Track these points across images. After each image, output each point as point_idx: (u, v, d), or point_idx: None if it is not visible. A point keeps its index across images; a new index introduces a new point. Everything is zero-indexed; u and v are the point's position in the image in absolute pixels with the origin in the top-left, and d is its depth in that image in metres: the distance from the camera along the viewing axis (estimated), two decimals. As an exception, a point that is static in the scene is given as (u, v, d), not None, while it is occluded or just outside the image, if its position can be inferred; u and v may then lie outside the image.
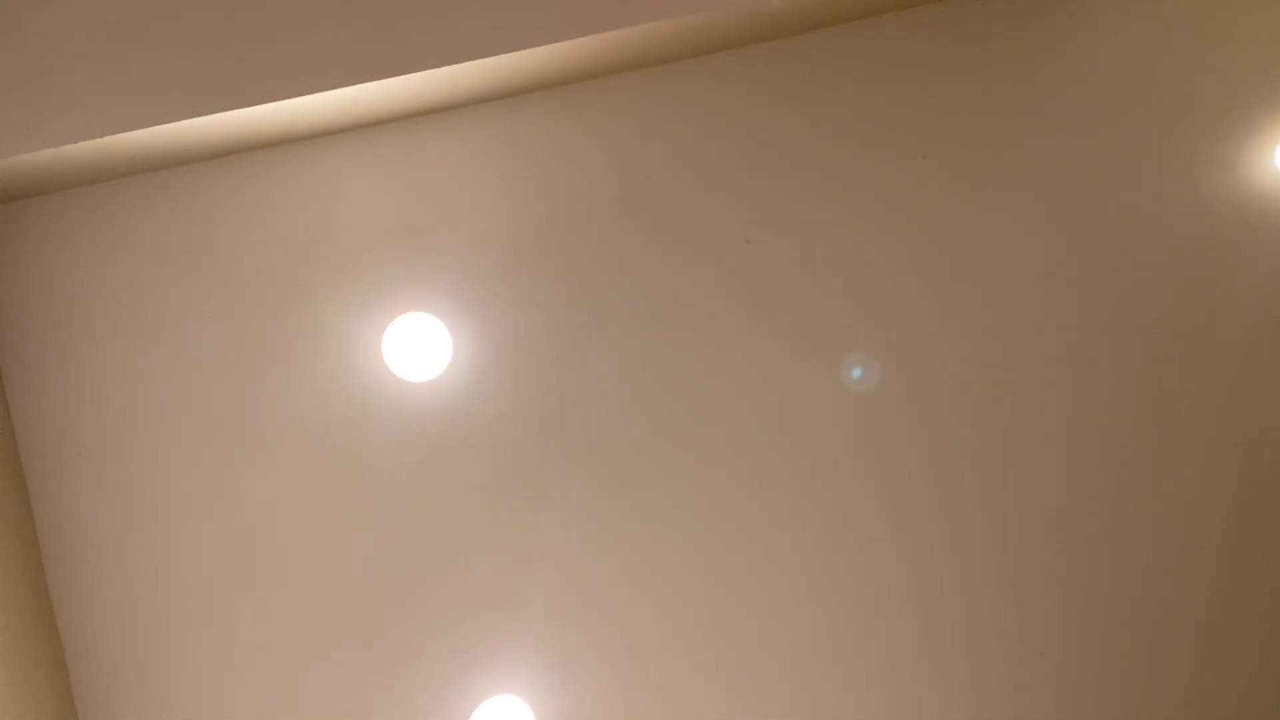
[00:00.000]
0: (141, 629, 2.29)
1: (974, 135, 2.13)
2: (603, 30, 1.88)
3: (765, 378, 2.20)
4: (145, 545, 2.28)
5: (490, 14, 1.88)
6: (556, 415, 2.23)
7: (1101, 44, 2.09)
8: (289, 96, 1.92)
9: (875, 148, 2.14)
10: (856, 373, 2.17)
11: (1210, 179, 2.09)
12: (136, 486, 2.27)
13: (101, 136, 1.93)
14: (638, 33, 1.92)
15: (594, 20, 1.87)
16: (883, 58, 2.13)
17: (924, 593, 2.22)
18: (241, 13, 1.91)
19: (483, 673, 2.28)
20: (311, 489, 2.26)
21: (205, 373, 2.24)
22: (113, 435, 2.26)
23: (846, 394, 2.18)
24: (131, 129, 1.93)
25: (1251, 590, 2.18)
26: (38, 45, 1.92)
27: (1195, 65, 2.08)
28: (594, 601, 2.28)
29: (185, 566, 2.27)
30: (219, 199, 2.21)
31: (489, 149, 2.18)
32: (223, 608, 2.28)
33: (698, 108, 2.15)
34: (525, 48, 1.89)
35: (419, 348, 2.19)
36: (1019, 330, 2.16)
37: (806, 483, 2.22)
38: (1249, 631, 2.19)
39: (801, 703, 2.22)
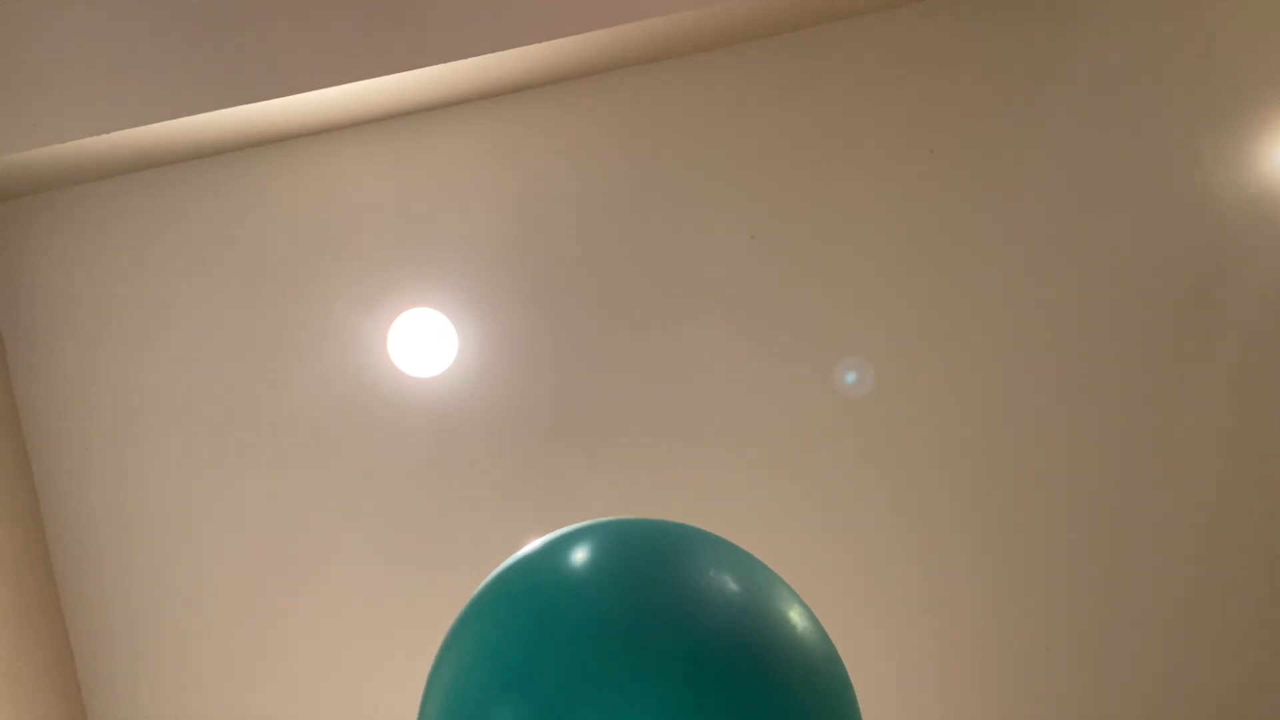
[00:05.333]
0: (147, 621, 2.31)
1: (980, 130, 2.12)
2: (607, 26, 1.87)
3: (769, 373, 2.20)
4: (151, 539, 2.29)
5: (494, 10, 1.87)
6: (560, 410, 2.24)
7: (1109, 38, 2.08)
8: (292, 93, 1.92)
9: (881, 143, 2.13)
10: (850, 377, 2.17)
11: (1220, 173, 2.08)
12: (142, 481, 2.28)
13: (105, 133, 1.93)
14: (642, 28, 1.91)
15: (598, 16, 1.86)
16: (889, 52, 2.11)
17: (925, 591, 2.22)
18: (244, 10, 1.90)
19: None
20: (316, 483, 2.27)
21: (210, 368, 2.24)
22: (119, 431, 2.26)
23: (849, 391, 2.19)
24: (135, 125, 1.93)
25: (1263, 586, 2.18)
26: (39, 44, 1.91)
27: (1204, 58, 2.06)
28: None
29: (190, 560, 2.29)
30: (223, 195, 2.20)
31: (493, 145, 2.17)
32: (227, 600, 2.29)
33: (702, 103, 2.14)
34: (529, 43, 1.88)
35: (424, 343, 2.19)
36: (1026, 325, 2.15)
37: (809, 479, 2.22)
38: (1259, 629, 2.19)
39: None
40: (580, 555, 0.95)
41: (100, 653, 2.31)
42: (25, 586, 2.19)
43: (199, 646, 2.30)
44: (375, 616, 2.28)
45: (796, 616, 0.93)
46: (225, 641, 2.30)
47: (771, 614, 0.91)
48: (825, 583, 2.25)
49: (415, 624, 2.28)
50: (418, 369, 2.21)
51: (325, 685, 2.30)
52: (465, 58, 1.89)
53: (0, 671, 2.07)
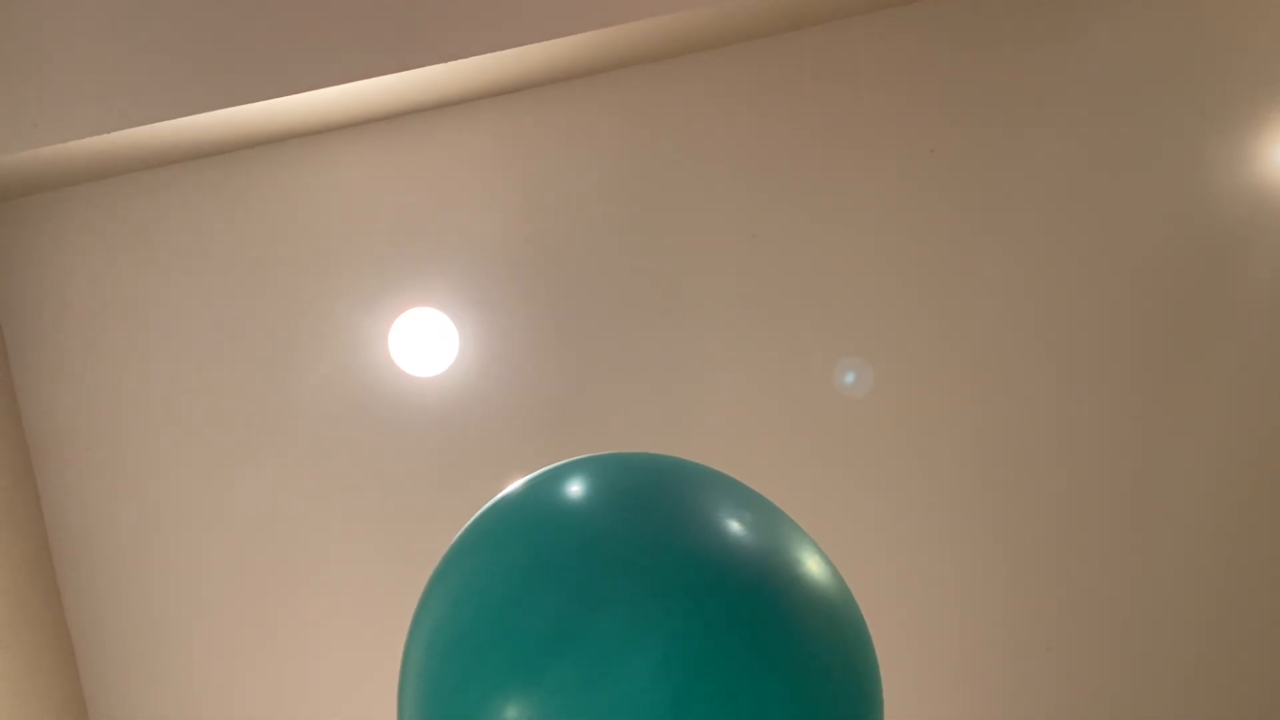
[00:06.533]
0: (148, 621, 2.31)
1: (980, 130, 2.11)
2: (607, 26, 1.87)
3: (771, 372, 2.20)
4: (152, 539, 2.29)
5: (494, 10, 1.87)
6: (561, 410, 2.24)
7: (1108, 40, 2.07)
8: (293, 92, 1.92)
9: (882, 142, 2.13)
10: (850, 378, 2.17)
11: (1218, 176, 2.08)
12: (143, 481, 2.28)
13: (105, 133, 1.92)
14: (642, 28, 1.91)
15: (598, 16, 1.86)
16: (889, 52, 2.11)
17: (925, 591, 2.23)
18: (246, 9, 1.90)
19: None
20: (316, 483, 2.27)
21: (212, 368, 2.24)
22: (120, 431, 2.26)
23: (848, 392, 2.19)
24: (135, 125, 1.93)
25: (1266, 586, 2.18)
26: (39, 44, 1.91)
27: (1202, 61, 2.06)
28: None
29: (191, 560, 2.29)
30: (223, 195, 2.20)
31: (494, 145, 2.17)
32: (228, 601, 2.29)
33: (702, 102, 2.14)
34: (530, 43, 1.88)
35: (425, 343, 2.19)
36: (1024, 327, 2.15)
37: (807, 479, 2.22)
38: (1261, 627, 2.19)
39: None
40: (577, 482, 0.86)
41: (100, 653, 2.31)
42: (26, 585, 2.19)
43: (200, 646, 2.30)
44: (375, 616, 2.28)
45: (807, 547, 0.87)
46: (226, 641, 2.30)
47: (782, 541, 0.84)
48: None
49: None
50: (419, 368, 2.21)
51: (325, 685, 2.30)
52: (465, 57, 1.89)
53: (1, 671, 2.07)
